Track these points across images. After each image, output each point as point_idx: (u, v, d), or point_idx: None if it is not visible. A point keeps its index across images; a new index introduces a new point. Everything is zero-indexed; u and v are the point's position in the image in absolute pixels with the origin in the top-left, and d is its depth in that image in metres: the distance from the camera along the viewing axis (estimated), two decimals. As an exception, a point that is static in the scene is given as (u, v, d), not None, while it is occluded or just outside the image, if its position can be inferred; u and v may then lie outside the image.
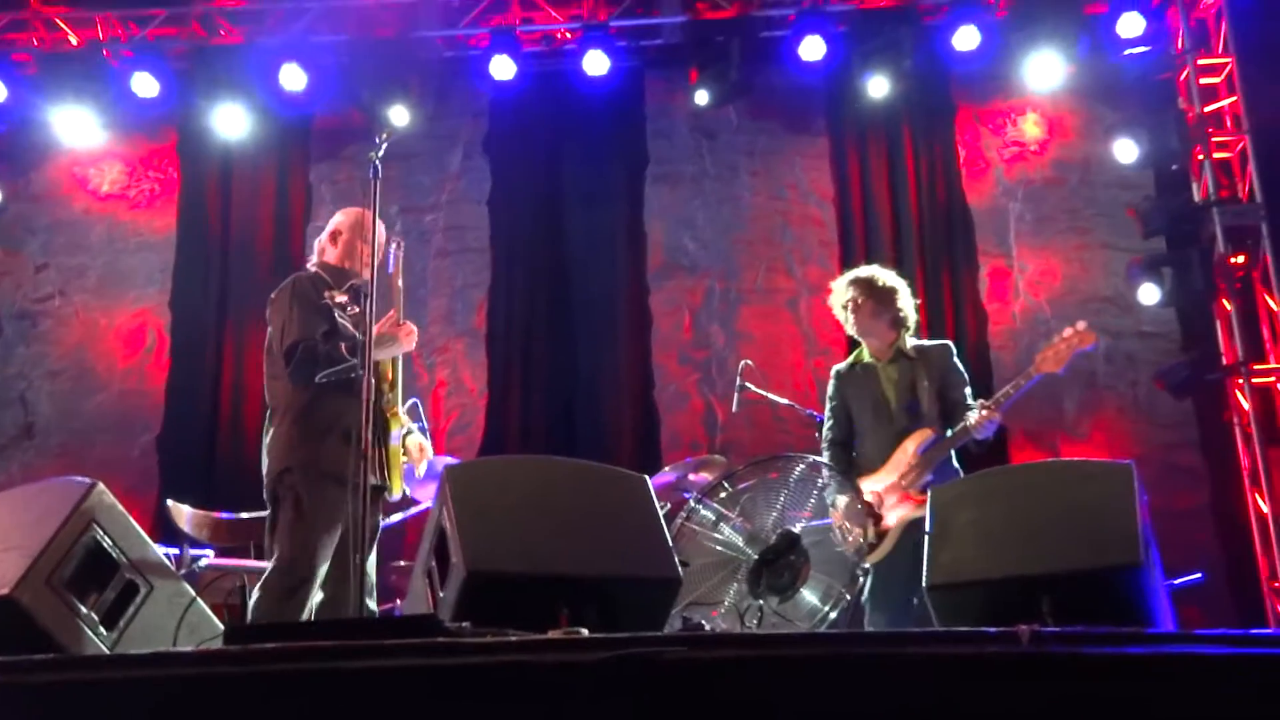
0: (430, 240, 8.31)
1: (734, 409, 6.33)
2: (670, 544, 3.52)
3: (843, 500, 4.92)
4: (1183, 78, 8.16)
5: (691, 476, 6.17)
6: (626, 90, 8.54)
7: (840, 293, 5.48)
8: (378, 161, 4.60)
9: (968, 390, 5.33)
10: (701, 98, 8.26)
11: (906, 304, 5.43)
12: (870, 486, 5.14)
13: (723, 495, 4.74)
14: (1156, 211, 7.74)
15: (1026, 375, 5.04)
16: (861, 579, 4.68)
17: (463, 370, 8.12)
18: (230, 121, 8.25)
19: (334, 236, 5.04)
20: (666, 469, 6.38)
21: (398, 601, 6.12)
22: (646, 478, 3.66)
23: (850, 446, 5.38)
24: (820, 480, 4.69)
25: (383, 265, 4.71)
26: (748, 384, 6.24)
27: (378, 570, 6.10)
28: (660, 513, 3.59)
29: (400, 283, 4.92)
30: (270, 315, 4.88)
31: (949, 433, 5.16)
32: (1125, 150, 7.84)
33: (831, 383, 5.51)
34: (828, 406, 5.49)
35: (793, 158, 8.55)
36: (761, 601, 4.44)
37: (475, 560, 3.17)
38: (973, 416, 5.02)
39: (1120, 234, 8.10)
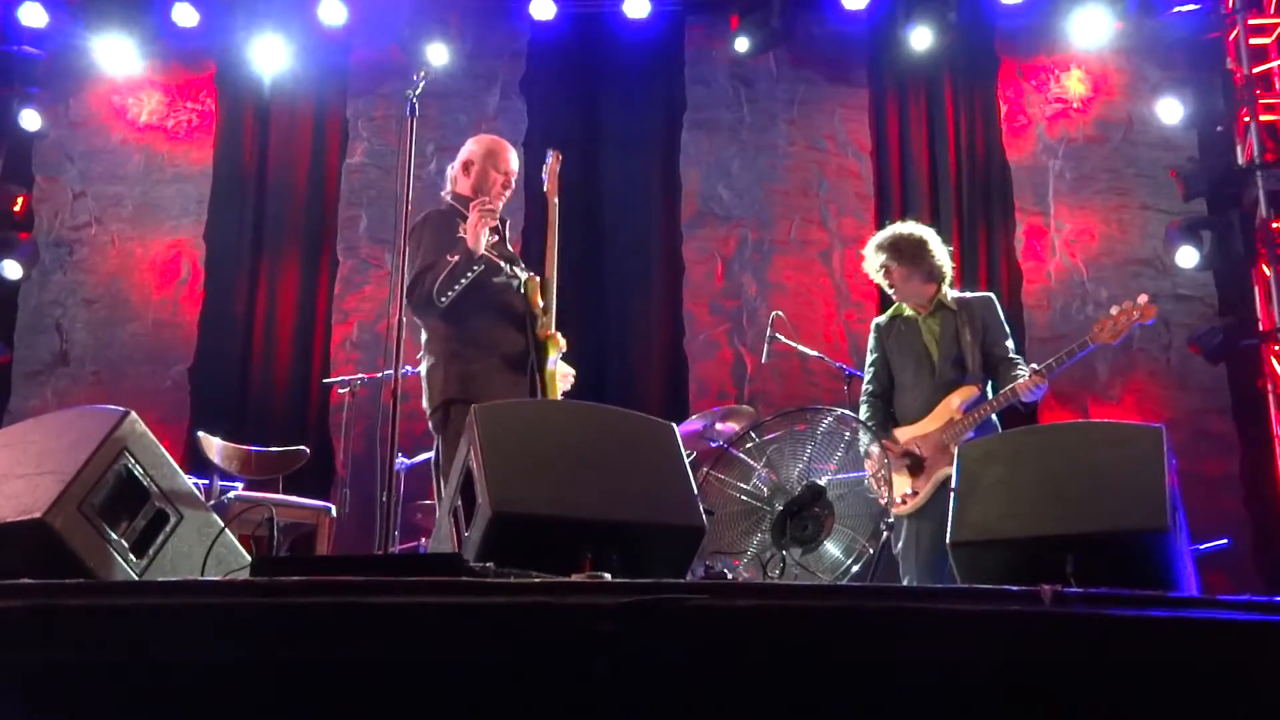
0: (465, 180, 8.28)
1: (763, 360, 6.32)
2: (695, 492, 3.52)
3: (876, 450, 4.92)
4: (1231, 37, 8.02)
5: (719, 426, 6.18)
6: (666, 35, 8.47)
7: (871, 260, 5.42)
8: (415, 99, 4.58)
9: (1010, 344, 5.28)
10: (741, 45, 8.20)
11: (939, 254, 5.35)
12: (910, 435, 5.13)
13: (749, 445, 4.73)
14: (1199, 173, 7.65)
15: (1081, 344, 4.97)
16: (885, 533, 4.67)
17: (494, 312, 8.13)
18: (269, 54, 8.25)
19: (465, 167, 4.93)
20: (694, 417, 6.39)
21: (423, 540, 6.18)
22: (674, 425, 3.66)
23: (889, 399, 5.34)
24: (847, 434, 4.67)
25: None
26: (778, 335, 6.22)
27: (403, 509, 6.18)
28: (687, 461, 3.59)
29: (555, 200, 4.87)
30: (409, 253, 4.79)
31: (992, 392, 5.13)
32: (1169, 110, 7.75)
33: (872, 336, 5.46)
34: (868, 359, 5.44)
35: (832, 108, 8.48)
36: (784, 552, 4.45)
37: (501, 502, 3.18)
38: (1022, 379, 4.97)
39: (1161, 195, 8.02)
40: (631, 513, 3.31)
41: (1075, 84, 8.33)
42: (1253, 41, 7.92)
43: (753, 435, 4.74)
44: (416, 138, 4.61)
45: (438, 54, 8.06)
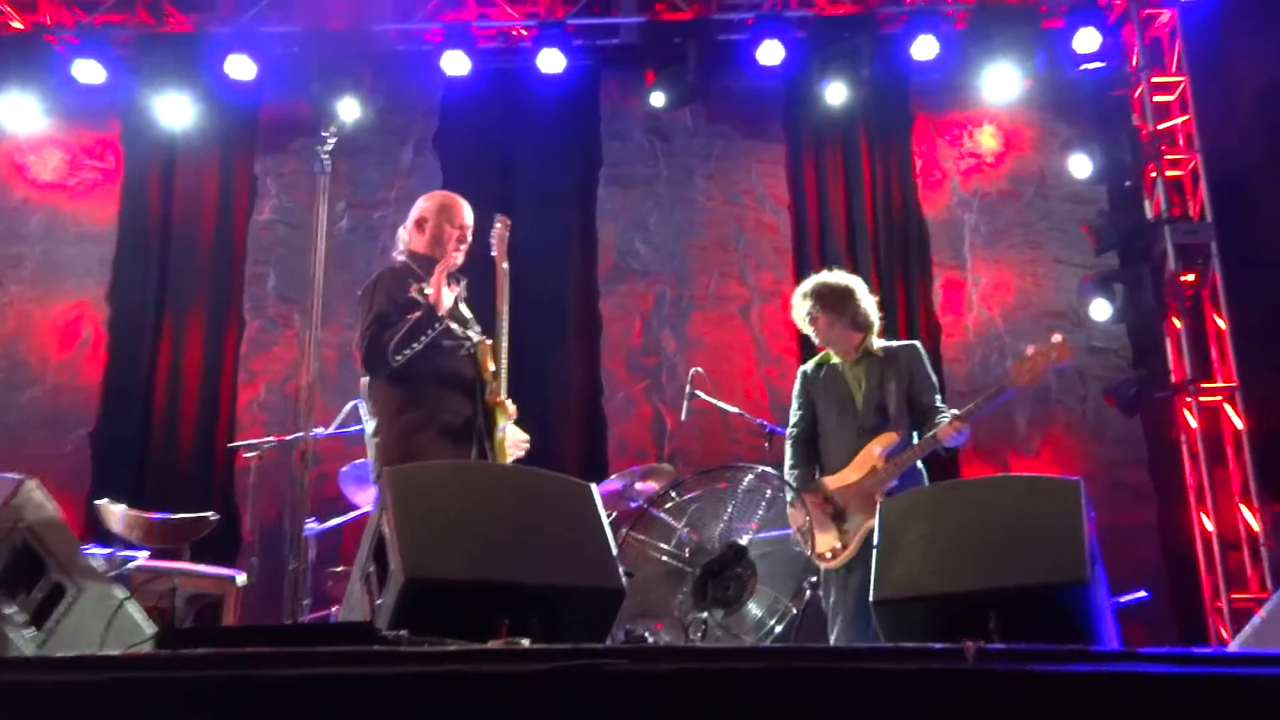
0: (378, 237, 8.24)
1: (683, 417, 6.33)
2: (615, 554, 3.51)
3: (798, 516, 4.93)
4: (1137, 94, 8.27)
5: (638, 485, 6.17)
6: (581, 90, 8.53)
7: (798, 307, 5.48)
8: (325, 156, 4.56)
9: (938, 396, 5.34)
10: (657, 99, 8.27)
11: (865, 302, 5.42)
12: (834, 485, 5.14)
13: (670, 505, 4.73)
14: (1109, 227, 7.82)
15: (999, 388, 5.05)
16: (808, 591, 4.68)
17: (408, 371, 8.06)
18: (175, 111, 8.16)
19: (419, 224, 4.91)
20: (613, 477, 6.37)
21: (334, 609, 6.07)
22: (593, 485, 3.65)
23: (815, 443, 5.38)
24: (769, 491, 4.69)
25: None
26: (698, 391, 6.25)
27: (313, 576, 6.08)
28: (606, 521, 3.57)
29: (505, 265, 4.82)
30: (360, 312, 4.77)
31: (916, 439, 5.17)
32: (1080, 165, 7.93)
33: (798, 382, 5.51)
34: (794, 405, 5.48)
35: (749, 163, 8.57)
36: (706, 614, 4.44)
37: (414, 567, 3.14)
38: (942, 425, 5.03)
39: (1073, 249, 8.19)
40: (549, 576, 3.29)
41: (988, 139, 8.52)
42: (1156, 99, 8.19)
43: (673, 494, 4.74)
44: (328, 195, 4.58)
45: (349, 109, 8.03)
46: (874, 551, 3.73)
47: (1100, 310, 7.66)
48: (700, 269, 8.40)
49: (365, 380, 4.71)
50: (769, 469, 4.99)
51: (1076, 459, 7.78)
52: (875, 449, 5.13)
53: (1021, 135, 8.49)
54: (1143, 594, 6.14)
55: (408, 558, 3.15)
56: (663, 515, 4.68)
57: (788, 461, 5.34)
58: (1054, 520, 3.52)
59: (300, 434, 4.30)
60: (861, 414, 5.23)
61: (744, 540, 4.55)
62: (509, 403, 4.71)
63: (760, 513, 4.66)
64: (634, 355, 8.25)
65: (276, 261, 8.30)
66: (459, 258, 4.87)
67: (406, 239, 4.94)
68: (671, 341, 8.24)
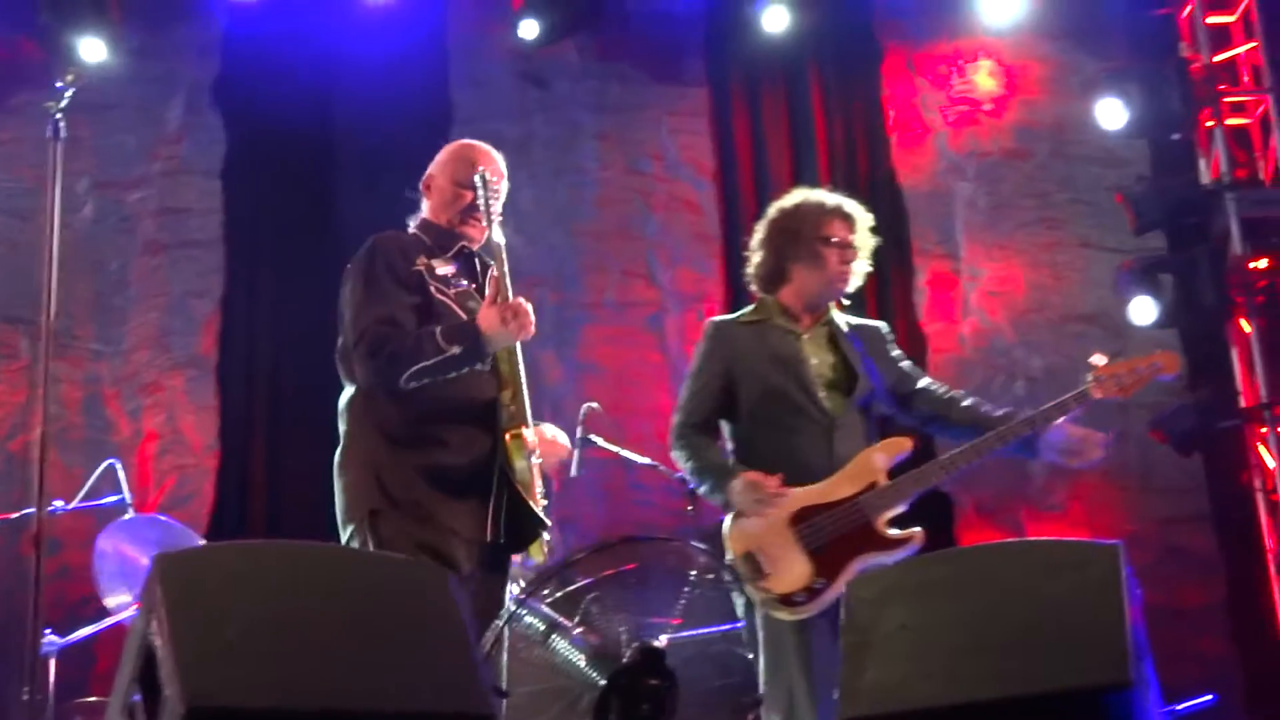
0: (136, 229, 8.18)
1: (573, 472, 6.34)
2: (480, 665, 3.52)
3: (749, 535, 4.84)
4: (1186, 14, 8.34)
5: (511, 567, 6.18)
6: (423, 17, 8.53)
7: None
8: (60, 115, 4.53)
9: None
10: (529, 29, 8.30)
11: None
12: (811, 500, 4.94)
13: (557, 595, 4.74)
14: (1152, 197, 7.91)
15: (1079, 394, 4.99)
16: (751, 714, 4.71)
17: (182, 417, 7.99)
18: None
19: (426, 184, 4.94)
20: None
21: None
22: (448, 569, 3.66)
23: (718, 433, 5.16)
24: (693, 572, 4.72)
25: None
26: (592, 436, 6.27)
27: (55, 710, 6.00)
28: (467, 620, 3.59)
29: (500, 238, 4.73)
30: (347, 294, 4.71)
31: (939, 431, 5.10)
32: (1110, 113, 8.02)
33: (707, 340, 5.21)
34: (696, 370, 5.21)
35: (658, 115, 8.63)
36: (611, 745, 4.46)
37: (198, 691, 3.13)
38: (1012, 418, 4.92)
39: (1105, 227, 8.32)
40: (387, 698, 3.30)
41: (985, 78, 8.63)
42: (1211, 20, 8.25)
43: (561, 579, 4.75)
44: (64, 169, 4.55)
45: (93, 50, 7.97)
46: (840, 649, 3.76)
47: (1143, 311, 7.73)
48: (593, 265, 8.43)
49: (347, 394, 4.68)
50: (696, 543, 5.00)
51: (1115, 516, 7.87)
52: (878, 459, 5.00)
53: (1030, 73, 8.62)
54: (1208, 699, 6.27)
55: (188, 680, 3.14)
56: (547, 610, 4.70)
57: (684, 456, 5.12)
58: (1084, 601, 3.58)
59: (31, 510, 4.25)
60: (838, 402, 5.06)
61: (661, 641, 4.58)
62: (529, 432, 4.67)
63: (683, 602, 4.68)
64: (503, 387, 8.24)
65: (-8, 265, 8.21)
66: (477, 231, 4.85)
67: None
68: (555, 367, 8.25)
